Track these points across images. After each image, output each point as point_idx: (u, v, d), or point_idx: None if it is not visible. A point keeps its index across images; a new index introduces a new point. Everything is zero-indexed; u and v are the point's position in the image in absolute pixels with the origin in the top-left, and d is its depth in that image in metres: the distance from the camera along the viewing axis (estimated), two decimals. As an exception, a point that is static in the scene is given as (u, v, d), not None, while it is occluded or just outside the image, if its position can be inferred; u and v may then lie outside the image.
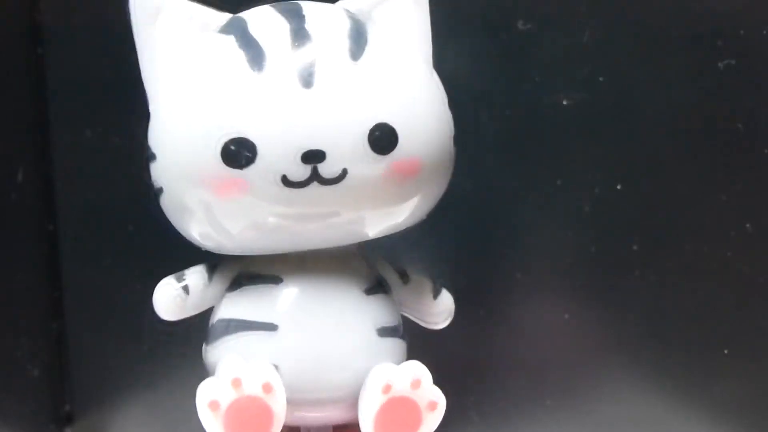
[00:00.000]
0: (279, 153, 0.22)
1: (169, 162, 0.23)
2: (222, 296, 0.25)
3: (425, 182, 0.24)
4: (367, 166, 0.22)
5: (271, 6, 0.24)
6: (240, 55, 0.23)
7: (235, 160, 0.22)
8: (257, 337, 0.24)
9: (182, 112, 0.23)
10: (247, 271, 0.25)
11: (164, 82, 0.24)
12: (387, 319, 0.25)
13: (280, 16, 0.23)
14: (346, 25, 0.23)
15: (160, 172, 0.24)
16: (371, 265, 0.26)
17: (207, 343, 0.25)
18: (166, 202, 0.24)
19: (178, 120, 0.23)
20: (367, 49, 0.23)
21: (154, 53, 0.24)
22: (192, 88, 0.23)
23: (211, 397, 0.22)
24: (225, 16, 0.24)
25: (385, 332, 0.25)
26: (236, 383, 0.22)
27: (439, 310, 0.27)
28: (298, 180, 0.22)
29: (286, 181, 0.22)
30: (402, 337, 0.26)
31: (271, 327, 0.24)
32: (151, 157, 0.24)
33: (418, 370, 0.24)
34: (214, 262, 0.26)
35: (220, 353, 0.24)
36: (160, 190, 0.24)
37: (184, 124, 0.23)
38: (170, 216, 0.24)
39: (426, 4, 0.25)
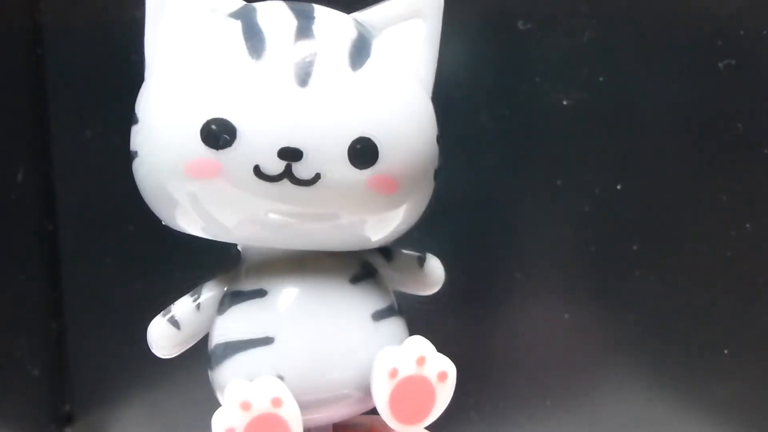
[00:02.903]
0: (257, 142, 0.22)
1: (151, 129, 0.23)
2: (213, 321, 0.25)
3: (398, 202, 0.24)
4: (341, 175, 0.22)
5: (285, 2, 0.24)
6: (241, 41, 0.23)
7: (213, 140, 0.22)
8: (256, 354, 0.24)
9: (174, 83, 0.23)
10: (231, 290, 0.25)
11: (163, 53, 0.23)
12: (379, 301, 0.25)
13: (290, 13, 0.23)
14: (352, 34, 0.23)
15: (139, 136, 0.23)
16: (353, 253, 0.26)
17: (210, 369, 0.25)
18: (139, 167, 0.24)
19: (168, 91, 0.23)
20: (368, 62, 0.23)
21: (161, 23, 0.24)
22: (188, 63, 0.23)
23: (226, 426, 0.22)
24: (238, 3, 0.24)
25: (380, 315, 0.25)
26: (245, 406, 0.22)
27: (428, 277, 0.27)
28: (270, 174, 0.22)
29: (258, 172, 0.22)
30: (399, 314, 0.26)
31: (267, 341, 0.24)
32: (134, 120, 0.24)
33: (421, 345, 0.24)
34: (198, 291, 0.26)
35: (225, 378, 0.24)
36: (135, 153, 0.24)
37: (173, 95, 0.23)
38: (139, 181, 0.24)
39: (438, 34, 0.25)
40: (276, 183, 0.22)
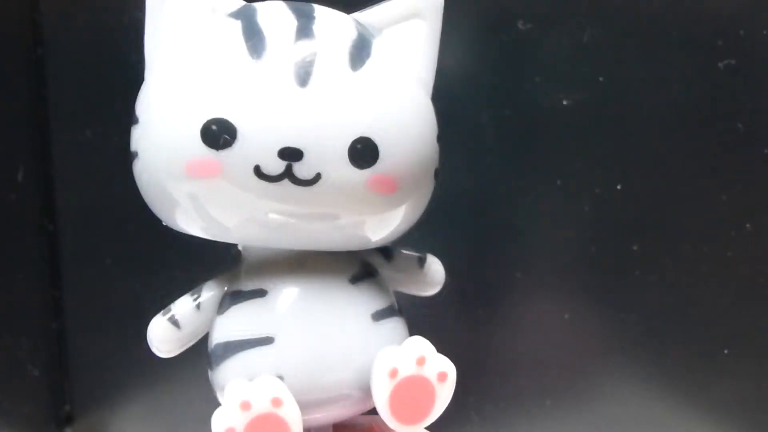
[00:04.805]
0: (257, 142, 0.22)
1: (151, 130, 0.23)
2: (213, 320, 0.25)
3: (398, 202, 0.24)
4: (341, 175, 0.22)
5: (286, 1, 0.24)
6: (241, 41, 0.23)
7: (213, 141, 0.22)
8: (256, 353, 0.24)
9: (174, 84, 0.23)
10: (231, 290, 0.25)
11: (164, 53, 0.23)
12: (379, 302, 0.25)
13: (291, 13, 0.23)
14: (352, 34, 0.23)
15: (139, 136, 0.23)
16: (353, 253, 0.26)
17: (210, 369, 0.25)
18: (139, 167, 0.24)
19: (168, 91, 0.23)
20: (368, 62, 0.23)
21: (161, 23, 0.24)
22: (188, 63, 0.23)
23: (225, 426, 0.22)
24: (238, 2, 0.24)
25: (380, 315, 0.25)
26: (245, 406, 0.22)
27: (428, 277, 0.27)
28: (271, 174, 0.22)
29: (258, 172, 0.22)
30: (399, 314, 0.26)
31: (267, 340, 0.24)
32: (135, 120, 0.24)
33: (421, 346, 0.24)
34: (198, 290, 0.26)
35: (225, 377, 0.24)
36: (136, 154, 0.24)
37: (173, 96, 0.23)
38: (139, 181, 0.24)
39: (438, 34, 0.25)
40: (276, 183, 0.22)
